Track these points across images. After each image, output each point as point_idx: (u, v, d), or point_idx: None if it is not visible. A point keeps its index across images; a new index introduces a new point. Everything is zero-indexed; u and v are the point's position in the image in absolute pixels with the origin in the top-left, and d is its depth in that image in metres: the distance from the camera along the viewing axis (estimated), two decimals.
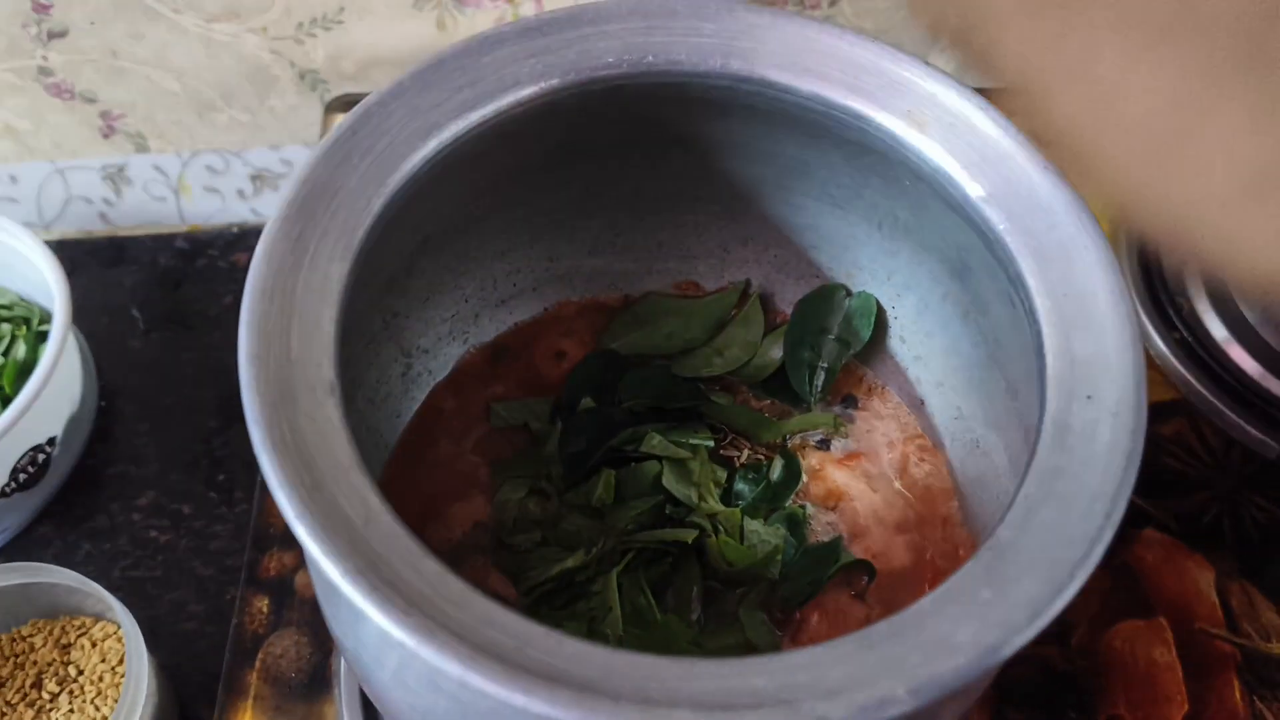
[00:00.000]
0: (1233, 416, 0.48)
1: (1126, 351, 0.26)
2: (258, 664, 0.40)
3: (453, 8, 0.56)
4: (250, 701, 0.39)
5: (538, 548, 0.34)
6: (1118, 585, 0.44)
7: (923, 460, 0.37)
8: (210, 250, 0.64)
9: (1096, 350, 0.26)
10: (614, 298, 0.40)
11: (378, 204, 0.27)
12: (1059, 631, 0.43)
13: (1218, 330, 0.50)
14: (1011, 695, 0.41)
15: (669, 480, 0.35)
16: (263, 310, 0.25)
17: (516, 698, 0.21)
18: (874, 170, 0.32)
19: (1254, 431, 0.47)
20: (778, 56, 0.31)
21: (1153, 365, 0.49)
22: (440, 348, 0.38)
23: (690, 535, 0.34)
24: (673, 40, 0.31)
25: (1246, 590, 0.43)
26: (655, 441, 0.36)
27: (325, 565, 0.22)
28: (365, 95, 0.58)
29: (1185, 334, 0.50)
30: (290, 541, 0.43)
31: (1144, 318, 0.49)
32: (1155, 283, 0.51)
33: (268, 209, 0.65)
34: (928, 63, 0.30)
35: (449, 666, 0.21)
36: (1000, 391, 0.33)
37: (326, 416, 0.24)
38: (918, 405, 0.37)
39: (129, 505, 0.55)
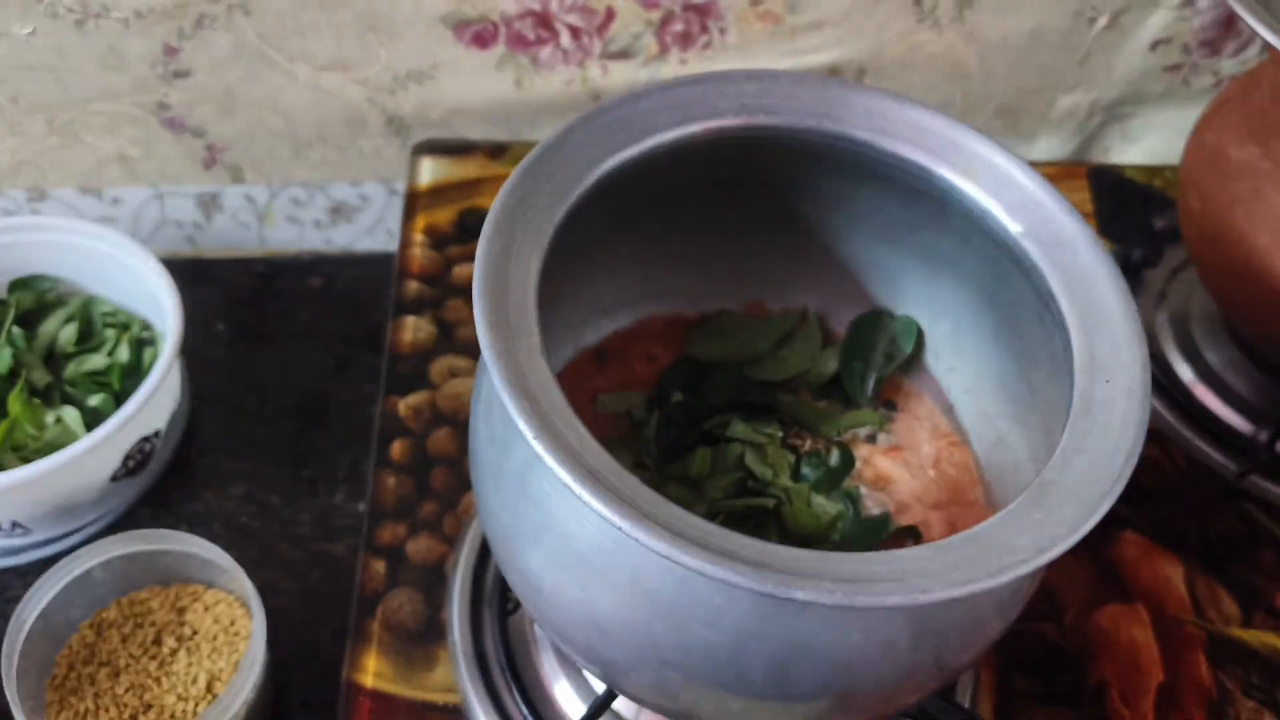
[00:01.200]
0: (1198, 444, 0.56)
1: (1135, 349, 0.34)
2: (378, 615, 0.46)
3: (530, 69, 0.64)
4: (374, 645, 0.45)
5: None
6: (1103, 576, 0.52)
7: (952, 454, 0.45)
8: (287, 274, 0.71)
9: (1112, 349, 0.34)
10: (693, 313, 0.48)
11: (559, 215, 0.35)
12: (1054, 612, 0.50)
13: (1185, 373, 0.59)
14: (1016, 663, 0.49)
15: (750, 460, 0.43)
16: (491, 290, 0.32)
17: (708, 568, 0.28)
18: (929, 213, 0.41)
19: (1216, 456, 0.56)
20: (861, 120, 0.39)
21: None
22: (555, 347, 0.45)
23: (770, 503, 0.42)
24: (777, 103, 0.39)
25: (1210, 584, 0.52)
26: (738, 429, 0.43)
27: (560, 471, 0.29)
28: (446, 139, 0.66)
29: (1159, 375, 0.58)
30: (401, 516, 0.50)
31: None
32: None
33: (340, 239, 0.72)
34: (977, 130, 0.39)
35: (653, 544, 0.28)
36: (1023, 394, 0.41)
37: (541, 370, 0.31)
38: (948, 408, 0.45)
39: (222, 494, 0.60)
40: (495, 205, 0.35)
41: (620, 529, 0.28)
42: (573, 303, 0.45)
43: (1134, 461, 0.32)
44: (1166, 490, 0.55)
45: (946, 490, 0.44)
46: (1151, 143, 0.74)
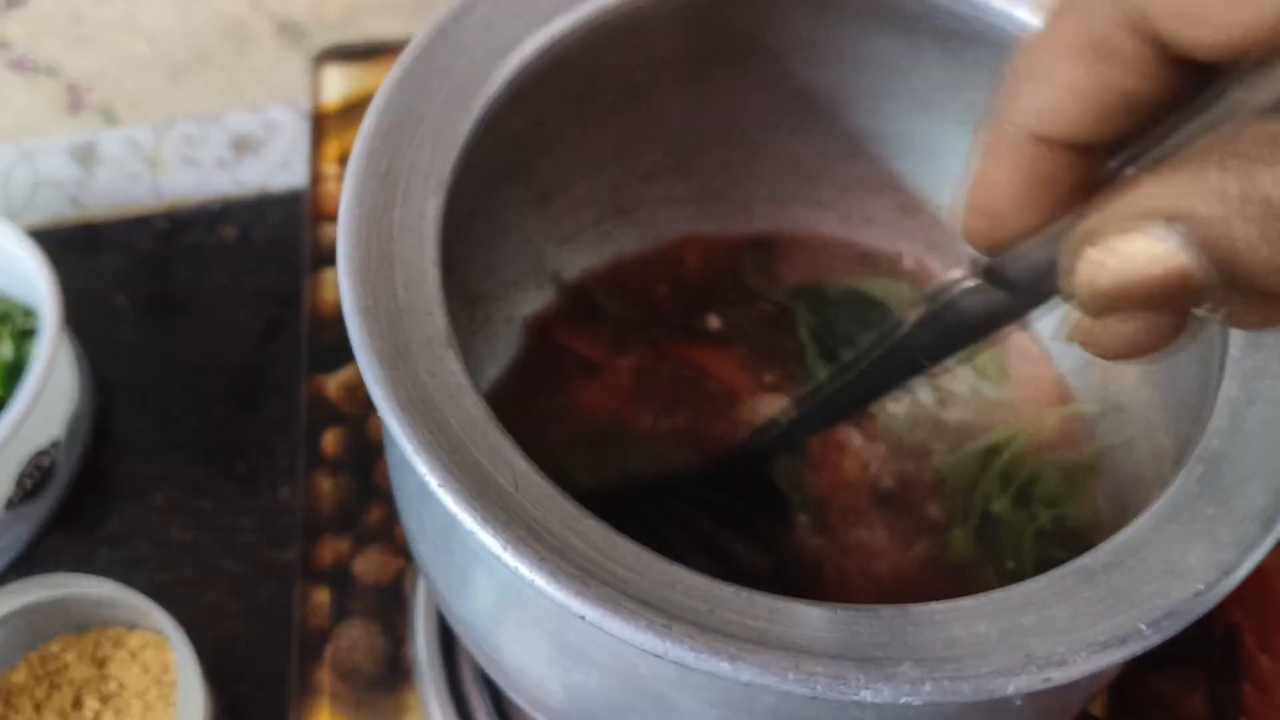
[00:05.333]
0: None
1: None
2: (327, 659, 0.37)
3: None
4: (326, 700, 0.36)
5: None
6: None
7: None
8: (194, 228, 0.60)
9: None
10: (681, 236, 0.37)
11: (464, 129, 0.24)
12: None
13: None
14: None
15: None
16: (361, 257, 0.22)
17: (721, 665, 0.18)
18: (980, 63, 0.29)
19: None
20: None
21: None
22: (510, 294, 0.35)
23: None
24: None
25: None
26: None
27: (483, 536, 0.19)
28: (353, 43, 0.55)
29: None
30: (343, 527, 0.40)
31: None
32: None
33: (251, 177, 0.61)
34: None
35: (641, 638, 0.18)
36: None
37: (449, 371, 0.21)
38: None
39: (144, 505, 0.51)
40: (364, 128, 0.24)
41: (585, 619, 0.18)
42: (518, 233, 0.34)
43: None
44: None
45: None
46: None
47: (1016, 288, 0.18)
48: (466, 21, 0.25)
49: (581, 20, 0.26)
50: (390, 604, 0.38)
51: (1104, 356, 0.16)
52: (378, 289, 0.21)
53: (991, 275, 0.18)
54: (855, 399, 0.24)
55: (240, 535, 0.50)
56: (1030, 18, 0.27)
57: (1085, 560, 0.20)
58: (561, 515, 0.20)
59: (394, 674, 0.37)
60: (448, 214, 0.25)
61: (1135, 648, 0.19)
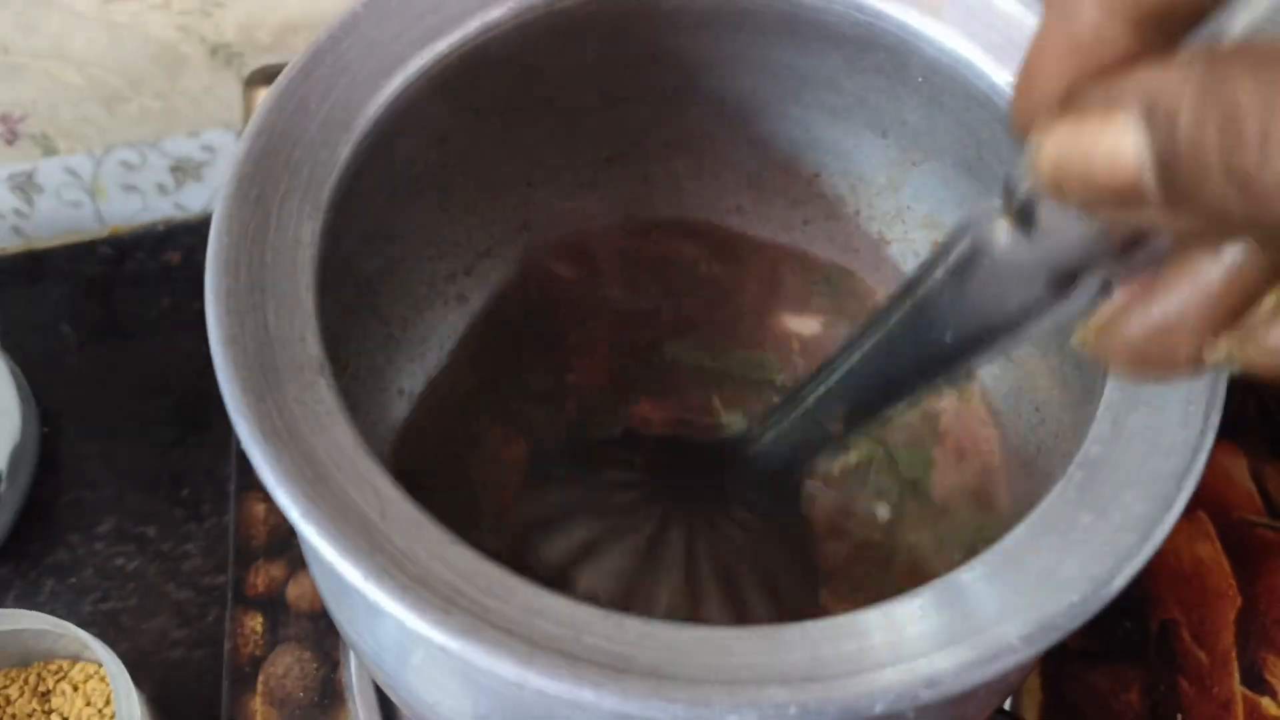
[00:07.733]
0: None
1: None
2: (259, 688, 0.37)
3: None
4: None
5: None
6: None
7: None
8: (137, 253, 0.60)
9: None
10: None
11: (344, 152, 0.24)
12: None
13: None
14: None
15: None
16: (229, 285, 0.21)
17: (584, 693, 0.18)
18: (880, 70, 0.29)
19: None
20: None
21: None
22: (421, 315, 0.35)
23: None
24: None
25: None
26: None
27: (343, 568, 0.19)
28: (285, 67, 0.55)
29: None
30: (276, 552, 0.40)
31: None
32: None
33: (194, 202, 0.61)
34: None
35: (502, 667, 0.18)
36: None
37: (319, 398, 0.21)
38: None
39: (89, 535, 0.50)
40: (236, 153, 0.24)
41: (426, 637, 0.18)
42: (428, 252, 0.34)
43: (1218, 413, 0.22)
44: None
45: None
46: None
47: (1042, 232, 0.17)
48: (346, 42, 0.25)
49: (470, 36, 0.26)
50: (324, 630, 0.38)
51: (1111, 369, 0.15)
52: (246, 318, 0.21)
53: (1020, 211, 0.17)
54: (881, 379, 0.22)
55: (185, 561, 0.50)
56: (917, 21, 0.27)
57: (959, 573, 0.20)
58: (429, 543, 0.19)
59: (328, 701, 0.36)
60: (338, 237, 0.24)
61: (1007, 661, 0.19)
